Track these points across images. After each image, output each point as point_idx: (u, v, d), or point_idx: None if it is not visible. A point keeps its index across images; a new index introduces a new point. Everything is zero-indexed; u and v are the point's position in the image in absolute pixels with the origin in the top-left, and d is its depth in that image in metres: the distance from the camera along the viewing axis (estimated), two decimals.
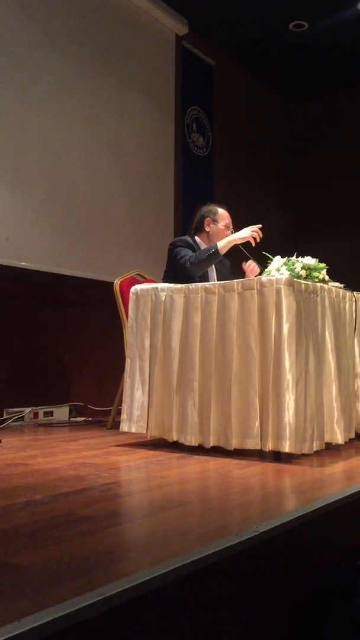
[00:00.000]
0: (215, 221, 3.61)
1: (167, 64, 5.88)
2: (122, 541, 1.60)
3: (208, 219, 3.62)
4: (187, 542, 1.54)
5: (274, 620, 1.61)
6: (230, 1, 5.61)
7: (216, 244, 3.36)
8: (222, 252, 3.37)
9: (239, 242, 3.38)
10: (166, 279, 3.48)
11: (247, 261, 3.60)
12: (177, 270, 3.39)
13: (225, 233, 3.56)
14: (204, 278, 3.49)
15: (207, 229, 3.62)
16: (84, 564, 1.36)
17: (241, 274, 3.64)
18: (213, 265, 3.65)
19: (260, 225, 3.40)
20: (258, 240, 3.39)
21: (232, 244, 3.38)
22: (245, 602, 1.52)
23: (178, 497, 2.10)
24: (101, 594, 1.16)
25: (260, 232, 3.37)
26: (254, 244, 3.41)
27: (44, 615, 1.06)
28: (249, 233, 3.35)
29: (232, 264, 3.80)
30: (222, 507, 1.98)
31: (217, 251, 3.34)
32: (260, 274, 3.26)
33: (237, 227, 3.55)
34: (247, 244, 3.42)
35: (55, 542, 1.52)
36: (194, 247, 3.52)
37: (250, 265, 3.60)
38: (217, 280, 3.62)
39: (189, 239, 3.59)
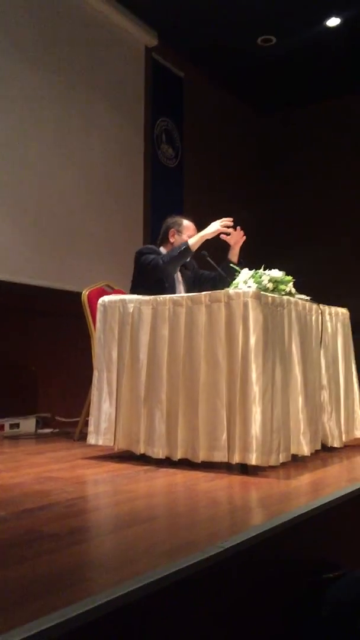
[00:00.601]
0: (179, 232, 3.64)
1: (137, 75, 5.90)
2: (86, 559, 1.57)
3: (172, 229, 3.65)
4: (152, 559, 1.53)
5: (242, 636, 1.60)
6: (200, 14, 5.67)
7: (187, 241, 3.41)
8: (194, 248, 3.43)
9: (209, 236, 3.45)
10: (134, 288, 3.49)
11: (234, 230, 3.58)
12: (149, 272, 3.40)
13: None
14: (171, 287, 3.50)
15: (171, 239, 3.64)
16: (46, 584, 1.34)
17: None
18: (181, 278, 3.67)
19: (230, 218, 3.46)
20: (229, 231, 3.47)
21: (203, 240, 3.44)
22: (213, 618, 1.51)
23: (145, 512, 2.08)
24: (63, 616, 1.14)
25: (230, 223, 3.43)
26: (227, 237, 3.50)
27: (4, 639, 1.04)
28: (218, 226, 3.42)
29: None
30: (189, 522, 1.97)
31: (188, 247, 3.41)
32: (228, 285, 3.29)
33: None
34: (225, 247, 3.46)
35: (17, 562, 1.49)
36: (160, 255, 3.54)
37: (235, 236, 3.60)
38: (185, 287, 3.64)
39: (155, 247, 3.62)
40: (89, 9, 5.27)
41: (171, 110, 6.39)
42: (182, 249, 3.40)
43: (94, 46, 5.35)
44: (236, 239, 3.63)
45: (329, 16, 5.71)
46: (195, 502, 2.25)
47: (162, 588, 1.34)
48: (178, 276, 3.67)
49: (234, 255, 3.66)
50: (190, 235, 3.62)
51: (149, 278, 3.42)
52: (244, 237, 3.65)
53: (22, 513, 1.97)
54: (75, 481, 2.54)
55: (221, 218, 3.51)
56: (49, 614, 1.14)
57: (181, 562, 1.44)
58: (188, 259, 3.55)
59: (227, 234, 3.52)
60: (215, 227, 3.43)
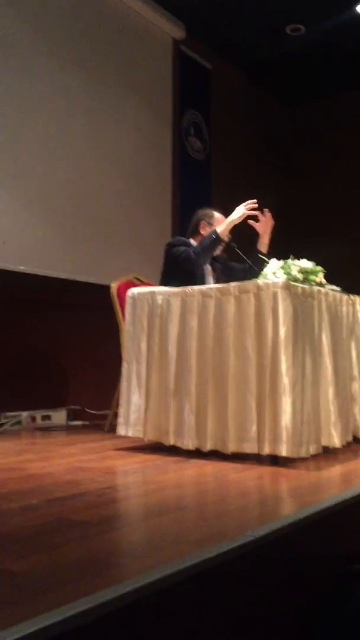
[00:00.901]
0: (210, 224, 3.62)
1: (165, 68, 5.88)
2: (116, 547, 1.58)
3: (203, 222, 3.63)
4: (182, 547, 1.53)
5: (269, 626, 1.60)
6: (227, 5, 5.62)
7: (215, 230, 3.41)
8: (223, 236, 3.41)
9: (236, 222, 3.40)
10: (164, 280, 3.48)
11: (260, 214, 3.57)
12: (180, 264, 3.39)
13: None
14: (201, 281, 3.49)
15: (202, 232, 3.62)
16: (77, 570, 1.35)
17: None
18: (210, 269, 3.65)
19: (254, 200, 3.43)
20: (255, 213, 3.44)
21: (230, 226, 3.41)
22: (241, 607, 1.51)
23: (174, 502, 2.09)
24: (94, 601, 1.15)
25: (255, 205, 3.40)
26: (256, 224, 3.51)
27: (35, 623, 1.05)
28: (244, 209, 3.38)
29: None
30: (219, 511, 1.97)
31: (217, 236, 3.39)
32: (254, 271, 3.27)
33: (233, 230, 3.55)
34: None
35: (48, 548, 1.51)
36: (191, 247, 3.53)
37: (264, 223, 3.59)
38: (215, 279, 3.62)
39: (185, 239, 3.61)
40: (116, 2, 5.28)
41: (199, 102, 6.36)
42: (212, 238, 3.39)
43: (122, 40, 5.35)
44: (264, 227, 3.60)
45: (358, 2, 5.60)
46: (224, 493, 2.25)
47: (191, 575, 1.34)
48: (208, 268, 3.65)
49: (263, 245, 3.63)
50: None
51: (180, 270, 3.40)
52: (272, 222, 3.61)
53: (53, 501, 1.99)
54: (105, 471, 2.56)
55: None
56: (80, 598, 1.15)
57: (210, 550, 1.43)
58: (219, 249, 3.53)
59: (255, 218, 3.49)
60: (241, 211, 3.39)
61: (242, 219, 3.41)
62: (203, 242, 3.43)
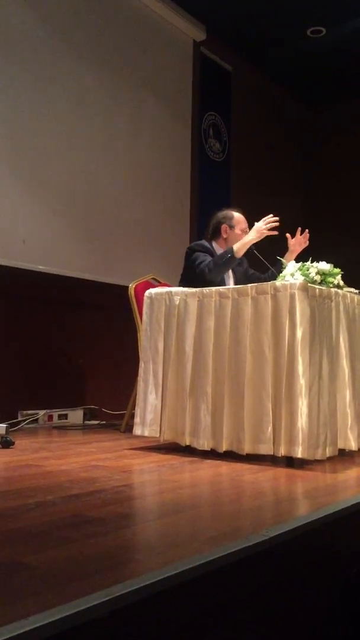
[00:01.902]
0: (231, 227, 3.61)
1: (185, 70, 5.90)
2: (131, 543, 1.60)
3: (225, 225, 3.62)
4: (196, 544, 1.54)
5: (283, 625, 1.60)
6: (248, 7, 5.63)
7: (232, 248, 3.38)
8: (239, 255, 3.40)
9: (255, 241, 3.38)
10: (183, 283, 3.49)
11: (292, 237, 3.56)
12: (196, 276, 3.39)
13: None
14: (221, 282, 3.49)
15: (224, 235, 3.62)
16: (92, 564, 1.37)
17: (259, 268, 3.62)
18: (231, 273, 3.64)
19: (270, 215, 3.39)
20: (275, 227, 3.36)
21: (248, 246, 3.39)
22: (255, 606, 1.51)
23: (189, 501, 2.09)
24: (109, 594, 1.16)
25: (276, 222, 3.36)
26: (291, 240, 3.49)
27: (50, 615, 1.06)
28: (263, 229, 3.35)
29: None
30: (233, 511, 1.98)
31: (233, 255, 3.37)
32: (274, 278, 3.26)
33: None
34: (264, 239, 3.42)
35: (64, 543, 1.53)
36: (211, 252, 3.53)
37: (300, 238, 3.58)
38: (235, 283, 3.62)
39: (206, 243, 3.60)
40: (137, 4, 5.31)
41: (219, 104, 6.37)
42: (227, 257, 3.36)
43: (142, 41, 5.38)
44: (297, 246, 3.58)
45: None
46: (240, 493, 2.25)
47: (206, 572, 1.35)
48: (228, 272, 3.63)
49: (287, 261, 3.60)
50: (242, 229, 3.59)
51: (196, 280, 3.39)
52: (307, 244, 3.57)
53: (69, 498, 2.01)
54: (121, 470, 2.58)
55: (267, 214, 3.40)
56: (95, 592, 1.16)
57: (225, 548, 1.44)
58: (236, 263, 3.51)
59: (275, 234, 3.41)
60: (260, 230, 3.34)
61: (260, 238, 3.38)
62: (218, 260, 3.38)
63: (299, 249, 3.60)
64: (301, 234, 3.59)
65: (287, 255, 3.60)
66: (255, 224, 3.40)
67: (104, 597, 1.15)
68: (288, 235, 3.54)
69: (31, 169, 4.45)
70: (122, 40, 5.20)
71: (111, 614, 1.14)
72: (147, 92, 5.42)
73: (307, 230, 3.57)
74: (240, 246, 3.38)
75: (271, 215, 3.40)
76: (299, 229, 3.56)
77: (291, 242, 3.60)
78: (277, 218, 3.38)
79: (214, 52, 6.25)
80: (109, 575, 1.28)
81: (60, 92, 4.67)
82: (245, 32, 6.06)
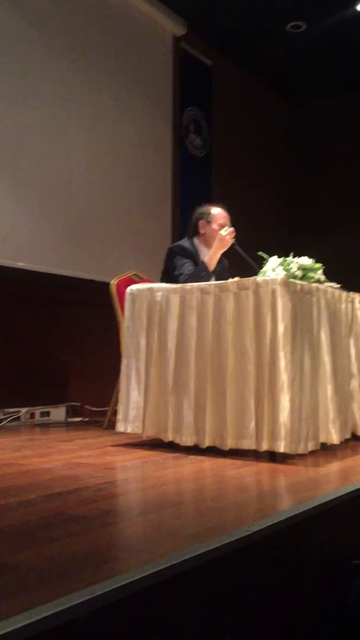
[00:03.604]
0: (209, 222, 3.61)
1: (165, 65, 5.88)
2: (114, 541, 1.59)
3: (202, 220, 3.63)
4: (179, 541, 1.54)
5: (267, 620, 1.61)
6: (228, 2, 5.61)
7: (205, 265, 3.46)
8: (211, 268, 3.47)
9: (221, 251, 3.47)
10: (163, 281, 3.49)
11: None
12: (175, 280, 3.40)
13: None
14: None
15: (201, 231, 3.62)
16: (75, 563, 1.36)
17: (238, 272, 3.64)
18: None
19: (227, 227, 3.49)
20: (233, 238, 3.48)
21: (216, 258, 3.48)
22: (238, 601, 1.51)
23: (172, 497, 2.09)
24: (92, 593, 1.16)
25: (232, 231, 3.46)
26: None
27: (32, 614, 1.06)
28: (226, 238, 3.42)
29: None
30: (217, 506, 1.98)
31: (207, 271, 3.44)
32: (256, 274, 3.27)
33: (234, 227, 3.55)
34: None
35: (46, 542, 1.52)
36: (191, 253, 3.54)
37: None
38: (216, 280, 3.62)
39: (186, 244, 3.60)
40: None
41: (199, 99, 6.36)
42: (203, 274, 3.41)
43: (122, 36, 5.35)
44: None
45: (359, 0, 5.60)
46: (222, 488, 2.26)
47: (189, 569, 1.35)
48: None
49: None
50: (220, 224, 3.60)
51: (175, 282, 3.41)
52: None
53: (52, 496, 2.00)
54: (103, 467, 2.57)
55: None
56: (78, 591, 1.15)
57: (208, 544, 1.44)
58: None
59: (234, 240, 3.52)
60: (224, 239, 3.43)
61: (226, 248, 3.47)
62: (194, 276, 3.38)
63: None
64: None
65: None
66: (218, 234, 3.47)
67: (87, 596, 1.14)
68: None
69: (10, 165, 4.40)
70: (101, 35, 5.16)
71: (94, 613, 1.14)
72: (127, 87, 5.39)
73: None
74: (209, 260, 3.47)
75: (231, 229, 3.49)
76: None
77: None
78: (231, 228, 3.48)
79: (194, 47, 6.23)
80: (92, 573, 1.27)
81: (40, 87, 4.62)
82: (225, 27, 6.05)
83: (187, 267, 3.46)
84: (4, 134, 4.36)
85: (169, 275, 3.52)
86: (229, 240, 3.42)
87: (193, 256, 3.53)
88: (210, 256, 3.46)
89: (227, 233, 3.43)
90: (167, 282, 3.45)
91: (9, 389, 4.28)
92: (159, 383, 3.07)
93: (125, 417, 3.15)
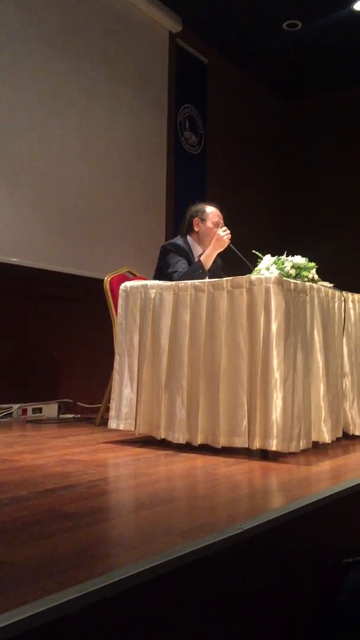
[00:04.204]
0: (203, 220, 3.63)
1: (161, 62, 5.87)
2: (106, 537, 1.59)
3: (196, 218, 3.64)
4: (172, 538, 1.54)
5: (259, 617, 1.61)
6: (225, 0, 5.61)
7: (201, 263, 3.45)
8: (207, 268, 3.46)
9: (218, 251, 3.47)
10: (156, 279, 3.49)
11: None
12: (169, 277, 3.40)
13: (214, 231, 3.58)
14: None
15: (195, 228, 3.63)
16: (67, 559, 1.36)
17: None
18: None
19: (224, 228, 3.49)
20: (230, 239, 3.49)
21: (213, 257, 3.48)
22: (231, 598, 1.52)
23: (165, 494, 2.10)
24: (84, 589, 1.16)
25: (227, 231, 3.47)
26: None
27: (24, 610, 1.06)
28: (222, 237, 3.42)
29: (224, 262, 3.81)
30: (209, 504, 1.98)
31: (203, 270, 3.44)
32: (250, 272, 3.28)
33: (228, 225, 3.55)
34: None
35: (38, 538, 1.51)
36: (185, 251, 3.54)
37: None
38: (209, 278, 3.63)
39: (180, 241, 3.61)
40: None
41: (195, 96, 6.35)
42: (199, 272, 3.41)
43: (118, 32, 5.33)
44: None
45: (355, 0, 5.61)
46: (215, 486, 2.26)
47: (181, 566, 1.35)
48: None
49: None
50: (214, 222, 3.61)
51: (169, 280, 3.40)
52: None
53: (44, 493, 1.99)
54: (96, 464, 2.57)
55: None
56: (70, 587, 1.15)
57: (200, 541, 1.45)
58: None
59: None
60: (221, 239, 3.43)
61: (222, 248, 3.47)
62: (189, 274, 3.39)
63: None
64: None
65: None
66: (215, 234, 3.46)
67: (79, 592, 1.15)
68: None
69: (4, 161, 4.38)
70: (97, 30, 5.15)
71: (86, 609, 1.14)
72: (123, 84, 5.38)
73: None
74: (205, 259, 3.46)
75: (223, 228, 3.49)
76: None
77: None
78: (224, 228, 3.48)
79: (190, 44, 6.22)
80: (84, 570, 1.27)
81: (35, 82, 4.60)
82: (221, 24, 6.05)
83: (181, 264, 3.47)
84: None
85: (162, 272, 3.52)
86: (226, 241, 3.43)
87: (187, 254, 3.54)
88: (207, 255, 3.46)
89: (224, 234, 3.43)
90: (160, 279, 3.45)
91: (1, 384, 4.27)
92: (151, 380, 3.07)
93: (118, 414, 3.15)
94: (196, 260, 3.54)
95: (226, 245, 3.46)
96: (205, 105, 6.47)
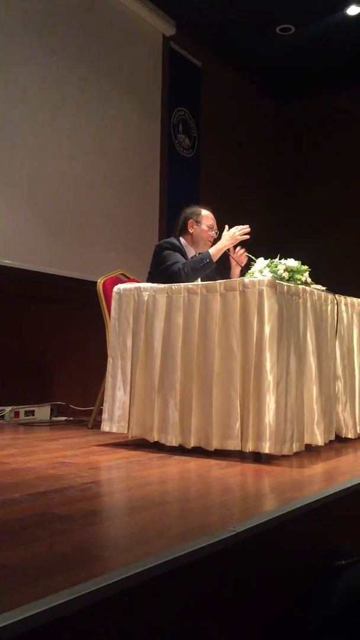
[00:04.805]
0: (198, 222, 3.62)
1: (154, 65, 5.88)
2: (99, 540, 1.59)
3: (191, 220, 3.63)
4: (164, 541, 1.54)
5: (251, 620, 1.61)
6: (218, 3, 5.63)
7: (209, 253, 3.40)
8: (215, 259, 3.42)
9: (229, 246, 3.45)
10: (150, 280, 3.48)
11: (235, 249, 3.61)
12: (169, 276, 3.36)
13: (209, 234, 3.59)
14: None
15: (190, 230, 3.63)
16: (61, 562, 1.36)
17: (225, 274, 3.65)
18: None
19: (247, 227, 3.44)
20: (247, 237, 3.45)
21: (222, 251, 3.44)
22: (223, 601, 1.52)
23: (157, 497, 2.09)
24: (77, 592, 1.15)
25: (247, 229, 3.42)
26: (246, 237, 3.47)
27: (17, 613, 1.05)
28: (237, 236, 3.40)
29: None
30: (201, 507, 1.98)
31: (211, 260, 3.39)
32: (245, 270, 3.29)
33: (221, 229, 3.55)
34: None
35: (31, 541, 1.51)
36: (181, 250, 3.53)
37: (239, 252, 3.62)
38: (202, 281, 3.62)
39: (174, 240, 3.60)
40: None
41: (188, 99, 6.37)
42: (205, 262, 3.37)
43: (111, 35, 5.34)
44: (240, 260, 3.62)
45: (349, 4, 5.65)
46: (207, 489, 2.26)
47: (174, 569, 1.35)
48: None
49: (233, 275, 3.63)
50: (209, 225, 3.61)
51: (167, 280, 3.36)
52: (246, 260, 3.61)
53: (36, 496, 1.99)
54: (88, 467, 2.56)
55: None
56: (63, 590, 1.15)
57: (193, 544, 1.45)
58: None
59: (247, 240, 3.48)
60: (232, 236, 3.40)
61: (234, 244, 3.46)
62: (196, 264, 3.37)
63: (240, 266, 3.62)
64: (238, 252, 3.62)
65: (231, 270, 3.67)
66: (227, 230, 3.42)
67: (72, 595, 1.14)
68: (227, 226, 3.52)
69: None
70: (91, 34, 5.15)
71: (79, 612, 1.14)
72: (116, 87, 5.39)
73: (244, 249, 3.59)
74: (215, 252, 3.41)
75: (246, 226, 3.43)
76: (237, 249, 3.60)
77: (236, 257, 3.63)
78: (248, 227, 3.43)
79: (183, 48, 6.24)
80: (77, 573, 1.27)
81: (28, 86, 4.60)
82: (215, 28, 6.07)
83: (181, 259, 3.45)
84: None
85: (157, 269, 3.48)
86: (239, 238, 3.41)
87: (182, 252, 3.52)
88: (218, 248, 3.41)
89: (238, 230, 3.41)
90: (156, 277, 3.43)
91: None
92: (144, 383, 3.07)
93: (111, 417, 3.15)
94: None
95: (235, 243, 3.44)
96: (198, 108, 6.49)
